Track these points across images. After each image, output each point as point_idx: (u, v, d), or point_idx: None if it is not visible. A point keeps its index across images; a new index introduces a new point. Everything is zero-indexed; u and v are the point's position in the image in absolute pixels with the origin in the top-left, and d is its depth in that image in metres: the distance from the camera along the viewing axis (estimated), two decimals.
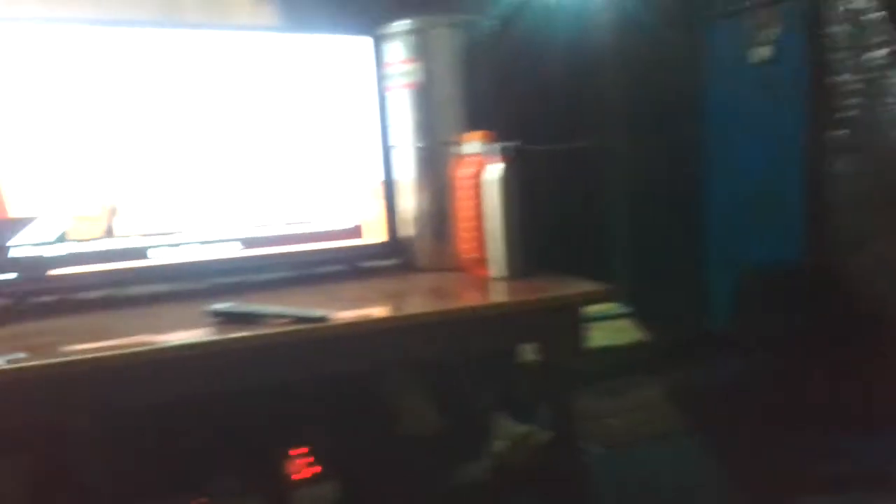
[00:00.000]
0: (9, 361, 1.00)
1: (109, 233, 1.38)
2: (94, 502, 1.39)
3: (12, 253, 1.31)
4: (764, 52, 2.12)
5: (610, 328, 1.93)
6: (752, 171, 2.20)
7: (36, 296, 1.36)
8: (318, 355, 1.20)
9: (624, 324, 1.99)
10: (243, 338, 1.12)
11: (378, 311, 1.34)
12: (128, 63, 1.38)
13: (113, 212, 1.39)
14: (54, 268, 1.34)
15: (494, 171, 1.43)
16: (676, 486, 1.65)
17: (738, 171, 2.24)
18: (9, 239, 1.31)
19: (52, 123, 1.33)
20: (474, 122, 1.55)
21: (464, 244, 1.53)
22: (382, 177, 1.62)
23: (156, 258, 1.42)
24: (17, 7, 1.52)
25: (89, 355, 1.06)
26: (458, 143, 1.54)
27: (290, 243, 1.55)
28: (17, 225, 1.32)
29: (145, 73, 1.39)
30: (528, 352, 1.70)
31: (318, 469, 1.48)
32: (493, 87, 1.61)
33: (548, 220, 1.73)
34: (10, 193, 1.30)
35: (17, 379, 1.00)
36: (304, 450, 1.50)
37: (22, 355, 1.04)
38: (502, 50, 1.65)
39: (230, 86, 1.47)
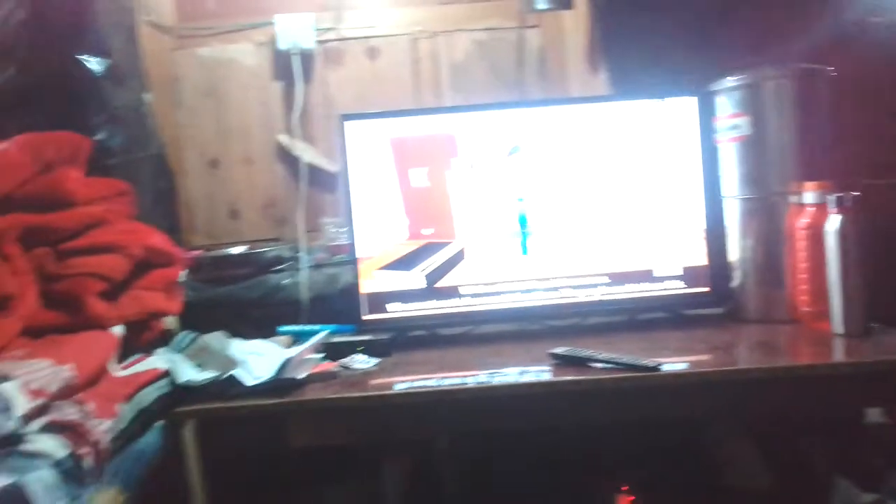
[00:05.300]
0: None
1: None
2: None
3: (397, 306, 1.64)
4: None
5: None
6: None
7: (409, 330, 1.67)
8: (646, 402, 1.29)
9: None
10: (579, 381, 1.26)
11: (706, 363, 1.37)
12: (490, 136, 1.64)
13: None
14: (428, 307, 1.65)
15: (832, 223, 1.38)
16: None
17: None
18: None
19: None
20: (809, 170, 1.51)
21: (800, 296, 1.49)
22: (708, 227, 1.65)
23: (505, 302, 1.65)
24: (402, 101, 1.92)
25: (455, 386, 1.30)
26: (792, 194, 1.52)
27: (619, 290, 1.66)
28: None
29: (504, 143, 1.64)
30: (877, 413, 1.56)
31: None
32: (829, 132, 1.55)
33: None
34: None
35: (406, 401, 1.27)
36: (626, 489, 1.58)
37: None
38: (835, 93, 1.57)
39: (570, 150, 1.65)
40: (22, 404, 0.96)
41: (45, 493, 0.88)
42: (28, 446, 0.93)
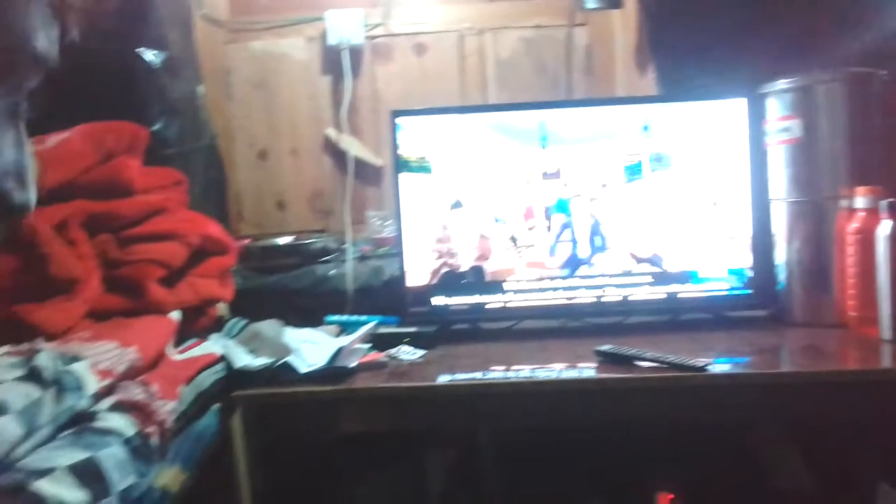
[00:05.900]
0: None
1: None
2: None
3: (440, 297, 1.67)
4: None
5: None
6: None
7: (454, 324, 1.69)
8: (691, 402, 1.29)
9: None
10: (625, 379, 1.28)
11: (752, 365, 1.37)
12: (533, 133, 1.65)
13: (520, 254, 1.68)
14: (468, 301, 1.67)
15: (883, 229, 1.37)
16: None
17: None
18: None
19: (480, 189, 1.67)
20: (860, 175, 1.50)
21: (848, 301, 1.49)
22: (754, 229, 1.65)
23: (547, 299, 1.66)
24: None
25: (500, 379, 1.32)
26: (842, 198, 1.51)
27: (662, 289, 1.66)
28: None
29: (550, 142, 1.66)
30: None
31: None
32: (882, 136, 1.54)
33: None
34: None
35: (452, 393, 1.30)
36: (669, 489, 1.59)
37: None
38: (888, 96, 1.56)
39: (616, 149, 1.65)
40: (92, 384, 1.01)
41: (116, 468, 0.92)
42: (99, 424, 0.97)
